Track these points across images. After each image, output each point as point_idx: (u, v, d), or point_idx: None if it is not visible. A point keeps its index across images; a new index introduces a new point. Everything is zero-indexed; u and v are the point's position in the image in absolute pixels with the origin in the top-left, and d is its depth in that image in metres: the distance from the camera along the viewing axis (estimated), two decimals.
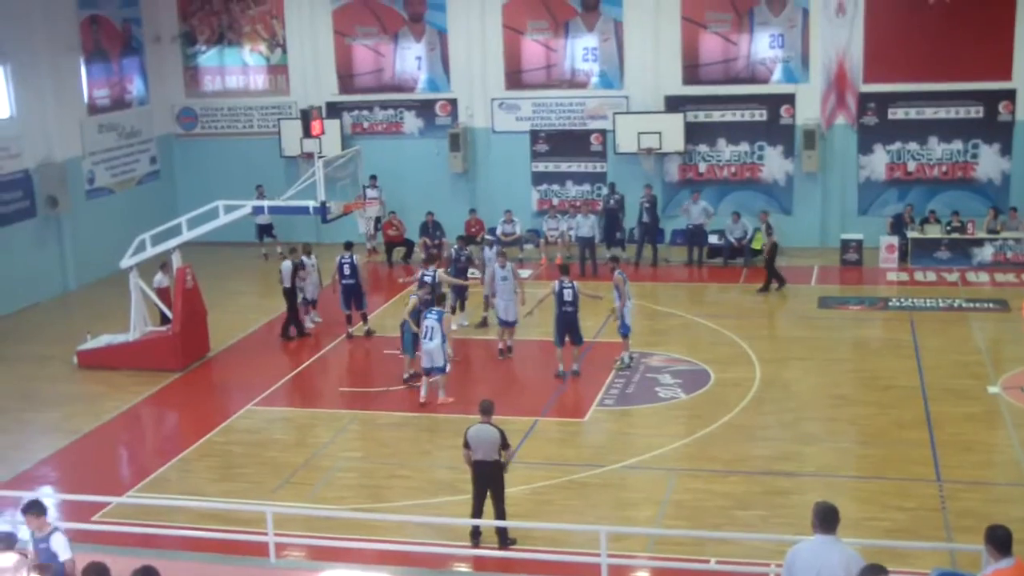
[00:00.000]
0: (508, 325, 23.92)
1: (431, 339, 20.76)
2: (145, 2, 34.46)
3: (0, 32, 28.63)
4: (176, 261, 24.43)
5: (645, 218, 31.01)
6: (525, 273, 27.77)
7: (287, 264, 25.54)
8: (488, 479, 15.44)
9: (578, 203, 32.16)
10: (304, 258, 26.27)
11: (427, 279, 23.45)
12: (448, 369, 21.29)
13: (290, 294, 25.53)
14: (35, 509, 12.59)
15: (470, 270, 26.39)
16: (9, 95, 29.26)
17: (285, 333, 25.70)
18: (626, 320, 22.62)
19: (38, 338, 26.63)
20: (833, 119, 31.26)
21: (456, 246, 26.22)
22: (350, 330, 25.49)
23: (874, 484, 17.33)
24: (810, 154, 31.12)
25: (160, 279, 25.09)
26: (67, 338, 25.56)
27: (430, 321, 20.84)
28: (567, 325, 22.49)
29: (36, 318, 28.44)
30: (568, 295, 22.35)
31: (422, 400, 21.11)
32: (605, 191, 31.99)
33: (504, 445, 15.38)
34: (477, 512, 15.58)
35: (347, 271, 25.21)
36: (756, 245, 30.29)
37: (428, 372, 21.11)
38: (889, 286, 28.27)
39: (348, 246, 25.72)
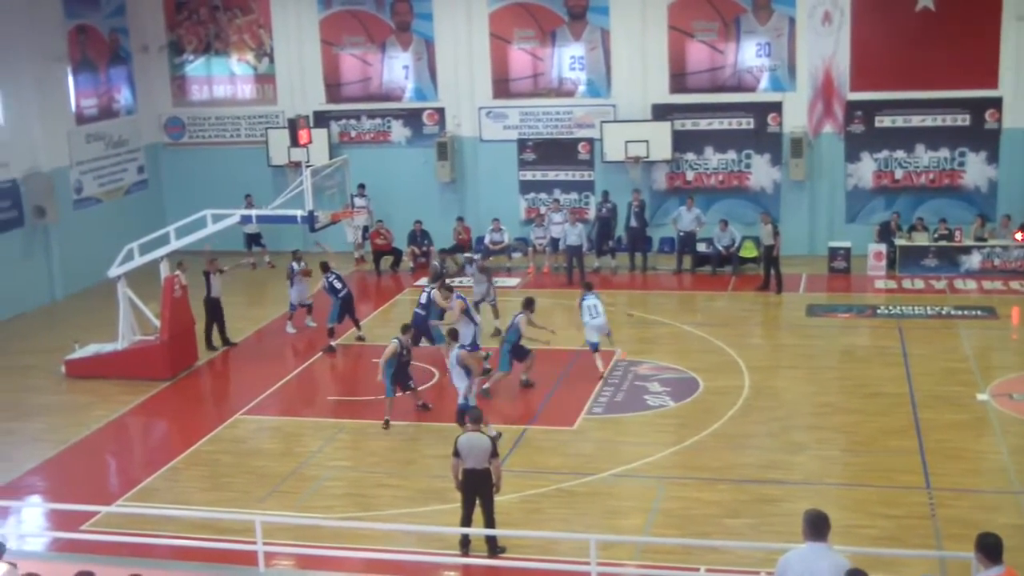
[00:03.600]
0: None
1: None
2: (132, 12, 34.43)
3: None
4: (164, 270, 24.38)
5: (633, 223, 31.08)
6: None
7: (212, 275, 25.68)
8: (478, 487, 15.42)
9: (554, 204, 32.39)
10: (294, 264, 26.37)
11: (425, 295, 23.63)
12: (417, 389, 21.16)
13: (213, 304, 25.66)
14: None
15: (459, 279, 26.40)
16: None
17: (212, 343, 25.80)
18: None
19: (25, 348, 26.56)
20: (820, 127, 31.35)
21: (438, 260, 25.91)
22: (332, 343, 25.39)
23: (862, 492, 17.35)
24: (797, 162, 31.19)
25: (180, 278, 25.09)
26: (55, 348, 25.49)
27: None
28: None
29: (23, 328, 28.36)
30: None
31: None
32: (599, 199, 32.02)
33: (494, 454, 15.37)
34: (466, 521, 15.56)
35: (339, 285, 25.21)
36: (745, 253, 30.40)
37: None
38: (877, 294, 28.32)
39: (325, 268, 25.59)
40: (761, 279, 28.79)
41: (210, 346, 25.67)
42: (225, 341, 25.97)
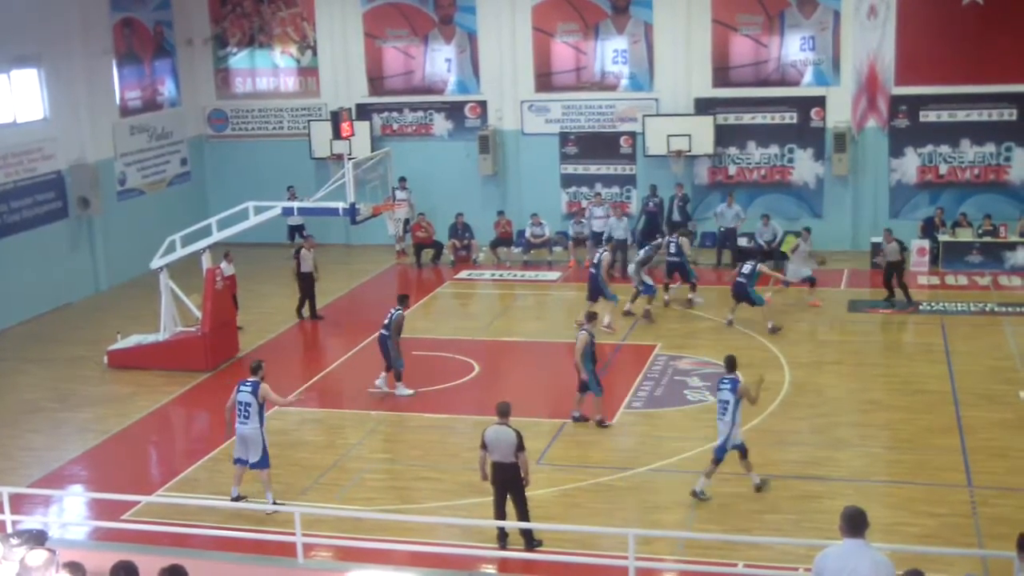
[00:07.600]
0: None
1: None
2: (177, 5, 34.63)
3: (35, 35, 28.82)
4: (206, 262, 24.52)
5: (677, 216, 31.00)
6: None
7: (303, 252, 26.74)
8: (506, 481, 15.43)
9: (596, 197, 32.46)
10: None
11: (597, 255, 25.51)
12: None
13: (304, 278, 26.76)
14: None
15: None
16: (43, 97, 29.43)
17: (307, 312, 27.00)
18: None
19: (70, 339, 26.75)
20: (864, 122, 31.12)
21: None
22: (666, 298, 27.33)
23: (905, 489, 17.22)
24: (841, 157, 30.98)
25: (226, 267, 25.51)
26: (99, 339, 25.70)
27: (243, 396, 17.44)
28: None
29: (68, 319, 28.60)
30: (673, 247, 26.64)
31: None
32: (646, 193, 31.91)
33: (520, 447, 15.32)
34: (499, 514, 15.56)
35: (673, 249, 27.02)
36: (787, 248, 30.22)
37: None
38: (920, 290, 28.03)
39: (676, 227, 28.50)
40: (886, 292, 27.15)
41: (301, 316, 26.96)
42: (313, 314, 27.05)
